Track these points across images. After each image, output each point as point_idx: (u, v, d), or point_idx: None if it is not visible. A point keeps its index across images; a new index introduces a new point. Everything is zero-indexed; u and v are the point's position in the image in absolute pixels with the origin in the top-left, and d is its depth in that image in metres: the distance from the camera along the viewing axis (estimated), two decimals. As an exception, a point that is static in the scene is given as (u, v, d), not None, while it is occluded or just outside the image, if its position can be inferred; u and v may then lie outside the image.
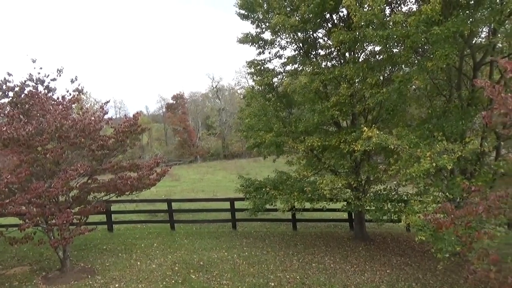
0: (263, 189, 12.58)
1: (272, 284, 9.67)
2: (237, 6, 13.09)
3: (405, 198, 10.99)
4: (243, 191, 13.20)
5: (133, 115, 11.36)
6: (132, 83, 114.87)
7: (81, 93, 11.84)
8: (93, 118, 10.92)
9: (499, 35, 9.63)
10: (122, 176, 10.82)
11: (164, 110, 70.07)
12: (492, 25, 9.35)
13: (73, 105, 11.72)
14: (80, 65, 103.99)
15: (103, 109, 11.68)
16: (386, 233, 14.20)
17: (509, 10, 8.68)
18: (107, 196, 11.54)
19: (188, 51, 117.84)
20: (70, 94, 11.67)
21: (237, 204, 15.09)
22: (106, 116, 11.47)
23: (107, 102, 13.04)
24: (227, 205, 15.53)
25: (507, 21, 9.27)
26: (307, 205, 12.58)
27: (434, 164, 8.53)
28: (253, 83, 14.04)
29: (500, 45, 10.02)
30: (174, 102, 65.00)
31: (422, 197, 9.98)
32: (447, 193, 9.64)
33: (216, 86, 67.66)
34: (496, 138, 10.03)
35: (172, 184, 29.67)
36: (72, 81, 11.85)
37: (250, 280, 9.87)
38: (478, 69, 10.51)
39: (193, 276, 10.20)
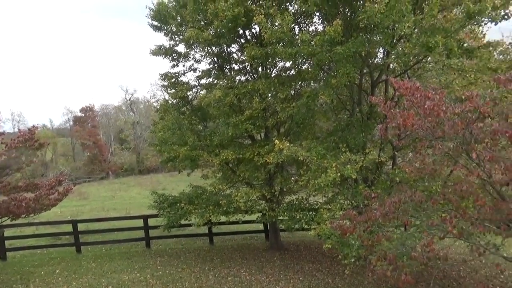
0: (178, 205, 12.30)
1: (187, 302, 9.41)
2: (149, 17, 12.80)
3: (316, 207, 11.58)
4: (156, 207, 12.75)
5: (29, 129, 10.37)
6: (34, 95, 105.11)
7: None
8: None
9: (392, 56, 10.76)
10: (16, 197, 9.74)
11: (71, 123, 65.13)
12: (386, 47, 10.42)
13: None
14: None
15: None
16: (300, 242, 14.76)
17: (398, 35, 9.73)
18: (-1, 220, 10.28)
19: (98, 62, 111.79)
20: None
21: (152, 221, 14.49)
22: (-2, 130, 10.30)
23: (-1, 114, 11.74)
24: (140, 223, 14.83)
25: (398, 44, 10.40)
26: (223, 218, 12.60)
27: (339, 174, 9.13)
28: (167, 96, 13.78)
29: (393, 65, 11.19)
30: (83, 115, 60.86)
31: (330, 205, 10.61)
32: (352, 201, 10.39)
33: (130, 99, 64.95)
34: (392, 148, 11.11)
35: (79, 204, 27.52)
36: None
37: (164, 300, 9.49)
38: (376, 86, 11.57)
39: (101, 302, 9.49)
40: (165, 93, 13.98)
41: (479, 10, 9.07)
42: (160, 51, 13.11)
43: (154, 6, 12.60)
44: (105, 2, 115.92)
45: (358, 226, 7.00)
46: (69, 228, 14.77)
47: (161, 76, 13.50)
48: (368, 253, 7.36)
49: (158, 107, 14.30)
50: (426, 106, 5.89)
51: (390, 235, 7.09)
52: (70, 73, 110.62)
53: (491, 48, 10.69)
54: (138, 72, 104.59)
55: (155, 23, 12.91)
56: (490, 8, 9.22)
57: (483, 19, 9.85)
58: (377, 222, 6.69)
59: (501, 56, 11.57)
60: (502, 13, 9.87)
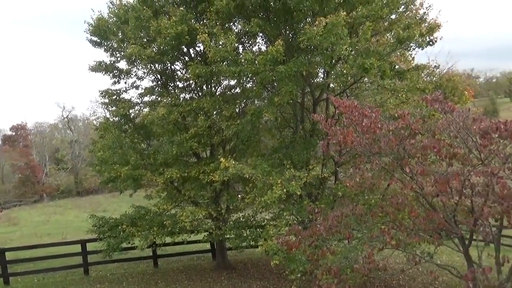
0: (119, 227, 11.72)
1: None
2: (88, 32, 12.34)
3: (262, 223, 11.61)
4: (95, 231, 12.05)
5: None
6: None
7: None
8: None
9: (332, 76, 11.27)
10: None
11: (0, 143, 60.15)
12: (325, 67, 10.91)
13: None
14: None
15: None
16: (247, 259, 14.66)
17: (337, 57, 10.24)
18: None
19: (32, 78, 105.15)
20: None
21: (91, 246, 13.62)
22: None
23: None
24: (78, 248, 13.88)
25: (337, 65, 10.93)
26: (168, 239, 12.20)
27: (285, 190, 9.27)
28: (108, 114, 13.26)
29: (332, 85, 11.73)
30: (14, 133, 56.56)
31: (276, 222, 10.69)
32: (297, 216, 10.56)
33: (67, 116, 61.47)
34: (334, 164, 11.52)
35: (8, 230, 25.23)
36: None
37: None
38: (317, 104, 12.03)
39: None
40: (106, 111, 13.46)
41: (408, 36, 9.88)
42: (100, 67, 12.63)
43: (94, 21, 12.19)
44: (41, 13, 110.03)
45: (303, 241, 7.09)
46: (-5, 257, 13.44)
47: (101, 93, 12.98)
48: (314, 267, 7.47)
49: (98, 125, 13.69)
50: (363, 124, 6.20)
51: (334, 248, 7.27)
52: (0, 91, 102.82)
53: (419, 71, 11.61)
54: (76, 88, 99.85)
55: (95, 38, 12.47)
56: (417, 35, 10.09)
57: (411, 44, 10.73)
58: (321, 236, 6.83)
59: (428, 78, 12.61)
60: (428, 39, 10.84)
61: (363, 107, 6.77)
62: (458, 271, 5.95)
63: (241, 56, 10.49)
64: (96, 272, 13.99)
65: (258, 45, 12.70)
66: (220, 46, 10.21)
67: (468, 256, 5.88)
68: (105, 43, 12.57)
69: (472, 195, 5.37)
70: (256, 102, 12.69)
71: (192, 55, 12.59)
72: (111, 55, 12.74)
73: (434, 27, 10.83)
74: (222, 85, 13.04)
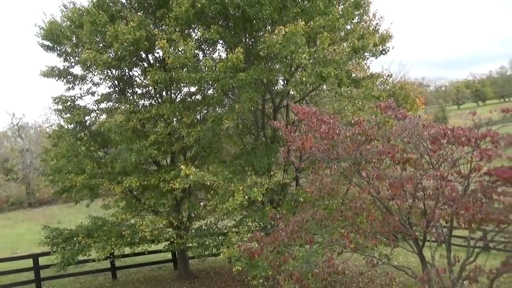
0: (75, 239, 11.18)
1: None
2: (39, 36, 11.76)
3: (225, 231, 11.49)
4: (49, 243, 11.40)
5: None
6: None
7: None
8: None
9: (292, 84, 11.43)
10: None
11: None
12: (285, 75, 11.05)
13: None
14: None
15: None
16: (210, 268, 14.46)
17: (296, 65, 10.41)
18: None
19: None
20: None
21: (43, 260, 12.89)
22: None
23: None
24: (29, 263, 13.11)
25: (296, 73, 11.11)
26: (127, 250, 11.79)
27: (246, 197, 9.25)
28: (62, 121, 12.66)
29: (292, 92, 11.89)
30: (-42, 142, 52.68)
31: (238, 229, 10.63)
32: (260, 223, 10.55)
33: (18, 123, 58.15)
34: (295, 170, 11.65)
35: (-49, 246, 23.35)
36: None
37: None
38: (278, 111, 12.15)
39: None
40: (60, 118, 12.84)
41: (363, 46, 10.24)
42: (52, 72, 12.06)
43: (46, 25, 11.63)
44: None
45: (265, 247, 7.10)
46: None
47: (54, 100, 12.37)
48: (276, 273, 7.49)
49: (51, 132, 13.02)
50: (322, 130, 6.32)
51: (296, 254, 7.33)
52: None
53: (373, 79, 12.06)
54: (27, 95, 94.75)
55: (47, 42, 11.89)
56: (371, 45, 10.47)
57: (366, 53, 11.13)
58: (283, 242, 6.86)
59: (382, 86, 13.13)
60: (381, 49, 11.29)
61: (321, 114, 6.92)
62: (413, 272, 6.18)
63: (201, 63, 10.41)
64: (50, 287, 13.23)
65: (219, 52, 12.66)
66: (180, 53, 10.05)
67: (422, 257, 6.12)
68: (58, 48, 12.00)
69: (424, 198, 5.61)
70: (217, 109, 12.62)
71: (151, 61, 12.32)
72: (65, 60, 12.19)
73: (386, 37, 11.29)
74: (182, 92, 12.86)
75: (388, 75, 15.01)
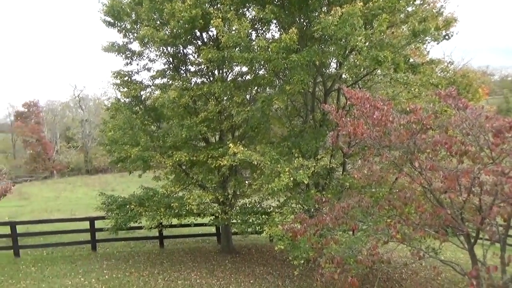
0: (127, 206, 11.87)
1: (135, 307, 9.09)
2: (102, 12, 12.29)
3: (268, 210, 11.67)
4: (104, 209, 12.23)
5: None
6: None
7: None
8: None
9: (344, 67, 11.14)
10: None
11: (12, 118, 60.81)
12: (339, 58, 10.77)
13: None
14: None
15: None
16: (251, 245, 14.81)
17: (350, 47, 10.11)
18: None
19: (46, 56, 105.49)
20: None
21: (99, 224, 13.86)
22: None
23: None
24: (86, 225, 14.15)
25: (350, 56, 10.79)
26: (175, 221, 12.35)
27: (292, 179, 9.28)
28: (119, 95, 13.29)
29: (345, 76, 11.59)
30: (26, 110, 57.00)
31: (282, 209, 10.75)
32: (303, 205, 10.59)
33: (79, 95, 61.85)
34: (343, 155, 11.48)
35: (19, 204, 25.75)
36: None
37: (109, 306, 9.10)
38: (329, 94, 11.92)
39: (41, 309, 8.92)
40: (117, 92, 13.47)
41: (423, 29, 9.67)
42: (113, 47, 12.62)
43: (108, 1, 12.12)
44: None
45: (308, 229, 7.14)
46: (6, 229, 13.76)
47: (113, 74, 12.99)
48: (318, 255, 7.54)
49: (109, 105, 13.74)
50: (375, 116, 6.15)
51: (339, 238, 7.31)
52: (14, 68, 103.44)
53: (433, 65, 11.41)
54: (88, 68, 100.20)
55: (108, 18, 12.41)
56: (433, 29, 9.86)
57: (426, 38, 10.51)
58: (326, 226, 6.86)
59: (442, 73, 12.39)
60: (444, 33, 10.61)
61: (375, 100, 6.70)
62: (462, 268, 5.95)
63: (254, 42, 10.39)
64: (104, 249, 14.27)
65: (272, 33, 12.57)
66: (233, 32, 10.11)
67: (473, 254, 5.86)
68: (119, 24, 12.51)
69: (480, 194, 5.33)
70: (267, 89, 12.63)
71: (205, 40, 12.50)
72: (124, 36, 12.69)
73: (450, 21, 10.60)
74: (233, 71, 12.97)
75: (450, 62, 14.17)
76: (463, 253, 7.83)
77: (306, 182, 9.54)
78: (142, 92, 13.04)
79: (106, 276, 11.17)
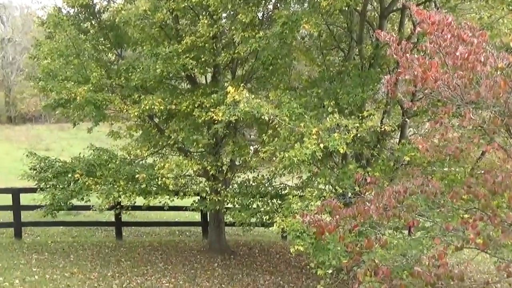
0: (70, 175, 12.06)
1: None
2: None
3: (283, 192, 11.77)
4: (35, 177, 12.43)
5: None
6: None
7: None
8: None
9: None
10: None
11: None
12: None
13: None
14: None
15: None
16: (254, 242, 15.12)
17: None
18: None
19: None
20: None
21: (26, 199, 14.18)
22: None
23: None
24: (7, 199, 14.49)
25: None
26: (140, 200, 12.54)
27: (322, 146, 9.28)
28: (61, 3, 13.17)
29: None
30: None
31: (304, 192, 10.85)
32: (337, 186, 10.66)
33: (-2, 2, 61.39)
34: (402, 113, 11.41)
35: None
36: None
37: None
38: (387, 17, 11.71)
39: None
40: (59, -2, 13.38)
41: None
42: None
43: None
44: None
45: (342, 223, 7.22)
46: None
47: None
48: (354, 263, 7.67)
49: (45, 18, 13.65)
50: (458, 54, 6.03)
51: (387, 239, 7.40)
52: None
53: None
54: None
55: None
56: None
57: None
58: (370, 219, 6.93)
59: None
60: None
61: (460, 27, 6.56)
62: None
63: None
64: (33, 236, 14.68)
65: None
66: None
67: None
68: None
69: None
70: (291, 4, 12.38)
71: None
72: None
73: None
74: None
75: None
76: None
77: (342, 152, 9.56)
78: (96, 1, 12.90)
79: (36, 277, 11.54)
